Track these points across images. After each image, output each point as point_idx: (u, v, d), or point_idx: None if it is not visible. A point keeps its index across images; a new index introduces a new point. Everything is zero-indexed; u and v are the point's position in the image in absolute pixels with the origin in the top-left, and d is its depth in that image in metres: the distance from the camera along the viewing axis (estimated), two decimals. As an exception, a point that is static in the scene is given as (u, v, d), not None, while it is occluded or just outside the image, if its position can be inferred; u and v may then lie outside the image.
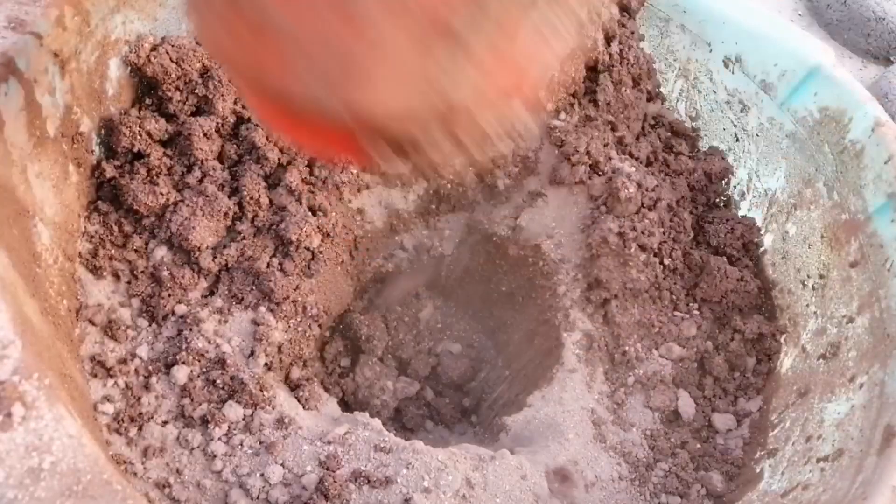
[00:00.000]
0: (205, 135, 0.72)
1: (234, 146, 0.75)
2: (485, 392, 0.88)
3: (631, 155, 0.79)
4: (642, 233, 0.74)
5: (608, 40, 0.81)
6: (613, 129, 0.82)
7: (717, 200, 0.82)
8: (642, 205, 0.75)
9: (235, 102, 0.78)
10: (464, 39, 0.35)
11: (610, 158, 0.79)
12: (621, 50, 0.81)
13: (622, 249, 0.74)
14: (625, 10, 0.84)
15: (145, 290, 0.66)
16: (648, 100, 0.86)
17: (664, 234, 0.76)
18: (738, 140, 0.81)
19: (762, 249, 0.77)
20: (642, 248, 0.73)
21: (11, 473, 0.41)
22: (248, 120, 0.79)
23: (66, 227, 0.63)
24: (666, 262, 0.75)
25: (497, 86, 0.39)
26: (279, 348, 0.67)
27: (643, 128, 0.84)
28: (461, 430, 0.86)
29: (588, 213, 0.78)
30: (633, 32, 0.83)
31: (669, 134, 0.85)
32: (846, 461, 0.54)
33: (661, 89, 0.89)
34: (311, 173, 0.75)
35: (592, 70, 0.82)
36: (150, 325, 0.65)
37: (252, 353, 0.65)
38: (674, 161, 0.82)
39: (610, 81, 0.81)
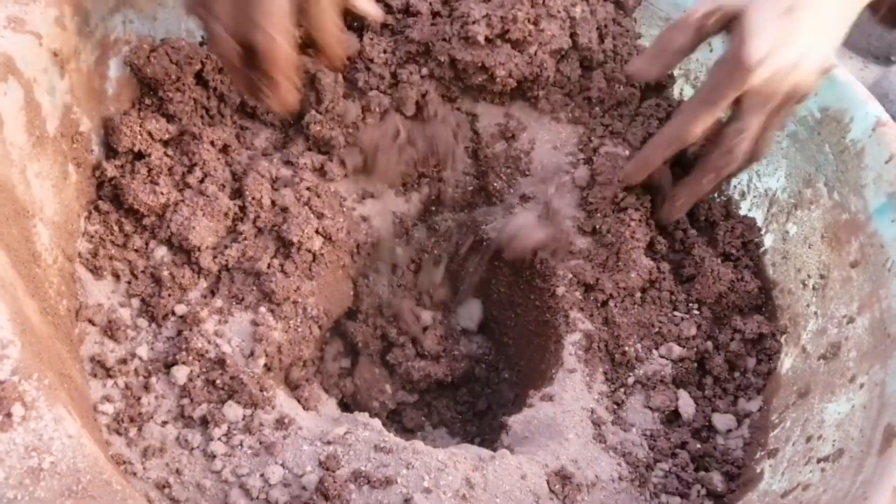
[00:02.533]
0: (211, 143, 0.72)
1: (238, 147, 0.75)
2: (485, 392, 0.88)
3: (625, 140, 0.79)
4: (633, 234, 0.74)
5: (602, 37, 0.81)
6: (607, 127, 0.82)
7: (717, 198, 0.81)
8: (629, 185, 0.75)
9: (240, 105, 0.79)
10: None
11: (603, 146, 0.79)
12: (615, 46, 0.81)
13: (617, 250, 0.74)
14: (620, 7, 0.84)
15: (145, 290, 0.66)
16: (646, 94, 0.85)
17: (661, 232, 0.76)
18: (738, 140, 0.81)
19: (762, 249, 0.77)
20: (636, 247, 0.73)
21: (11, 473, 0.41)
22: (253, 119, 0.79)
23: (66, 227, 0.63)
24: (664, 262, 0.75)
25: None
26: (279, 349, 0.67)
27: (641, 122, 0.83)
28: (461, 431, 0.86)
29: (584, 212, 0.78)
30: (628, 30, 0.83)
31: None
32: (846, 461, 0.54)
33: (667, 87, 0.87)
34: (315, 180, 0.75)
35: (587, 69, 0.82)
36: (149, 325, 0.65)
37: (252, 354, 0.65)
38: None
39: (603, 78, 0.81)
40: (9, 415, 0.42)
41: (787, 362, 0.69)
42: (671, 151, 0.67)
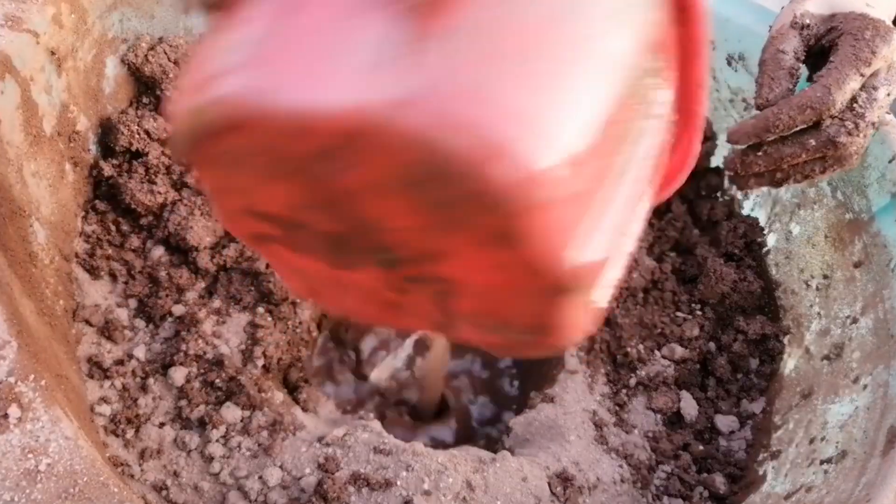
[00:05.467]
0: None
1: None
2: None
3: None
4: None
5: None
6: None
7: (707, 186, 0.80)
8: None
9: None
10: None
11: None
12: None
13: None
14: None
15: (142, 291, 0.66)
16: None
17: (661, 230, 0.76)
18: (740, 139, 0.81)
19: (765, 249, 0.77)
20: (638, 247, 0.73)
21: (7, 476, 0.40)
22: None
23: (63, 227, 0.63)
24: (666, 262, 0.75)
25: None
26: (277, 350, 0.67)
27: None
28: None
29: None
30: None
31: None
32: (850, 463, 0.53)
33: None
34: None
35: None
36: (147, 326, 0.65)
37: (250, 355, 0.64)
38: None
39: None
40: (5, 416, 0.42)
41: (790, 363, 0.69)
42: (805, 119, 0.58)
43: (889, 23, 0.59)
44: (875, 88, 0.58)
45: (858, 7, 0.60)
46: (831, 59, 0.59)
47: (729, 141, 0.62)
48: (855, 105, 0.58)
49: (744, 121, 0.62)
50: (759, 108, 0.61)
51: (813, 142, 0.58)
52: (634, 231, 0.32)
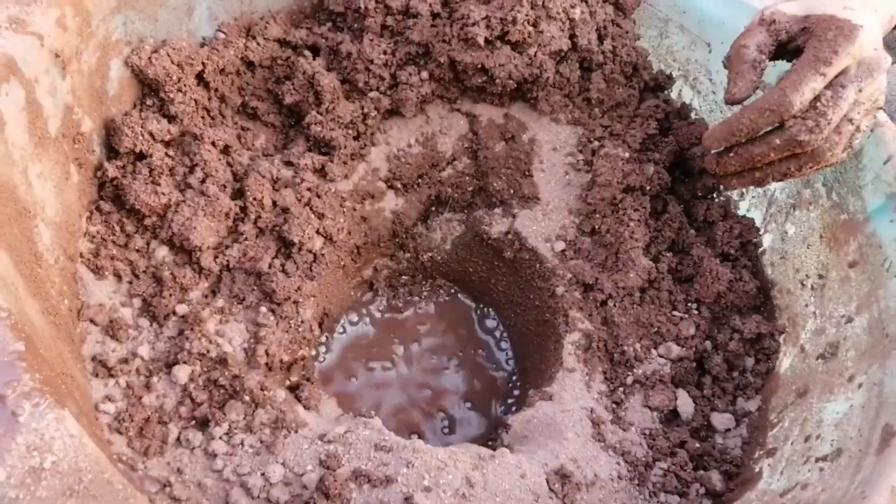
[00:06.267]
0: (213, 144, 0.72)
1: (239, 147, 0.75)
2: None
3: (624, 142, 0.79)
4: (632, 234, 0.74)
5: (601, 39, 0.81)
6: (606, 128, 0.82)
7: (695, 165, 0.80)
8: (628, 186, 0.75)
9: (241, 106, 0.79)
10: None
11: (602, 147, 0.79)
12: (614, 48, 0.81)
13: (616, 250, 0.74)
14: (619, 9, 0.84)
15: (147, 290, 0.67)
16: (645, 91, 0.85)
17: (658, 231, 0.77)
18: (737, 140, 0.81)
19: (761, 249, 0.77)
20: (634, 248, 0.74)
21: (13, 473, 0.41)
22: (254, 120, 0.80)
23: (68, 227, 0.63)
24: (662, 262, 0.75)
25: None
26: (280, 348, 0.67)
27: (639, 123, 0.83)
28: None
29: (584, 213, 0.78)
30: (627, 32, 0.83)
31: (668, 125, 0.83)
32: (845, 461, 0.54)
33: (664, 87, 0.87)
34: (316, 181, 0.76)
35: (587, 70, 0.82)
36: (151, 325, 0.66)
37: (253, 353, 0.65)
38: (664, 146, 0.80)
39: (602, 79, 0.81)
40: (11, 414, 0.42)
41: (785, 362, 0.69)
42: (766, 121, 0.61)
43: (858, 22, 0.59)
44: (843, 87, 0.59)
45: (835, 10, 0.61)
46: (794, 61, 0.61)
47: (703, 145, 0.66)
48: (818, 104, 0.59)
49: (713, 126, 0.65)
50: (727, 102, 0.64)
51: (778, 141, 0.61)
52: None
